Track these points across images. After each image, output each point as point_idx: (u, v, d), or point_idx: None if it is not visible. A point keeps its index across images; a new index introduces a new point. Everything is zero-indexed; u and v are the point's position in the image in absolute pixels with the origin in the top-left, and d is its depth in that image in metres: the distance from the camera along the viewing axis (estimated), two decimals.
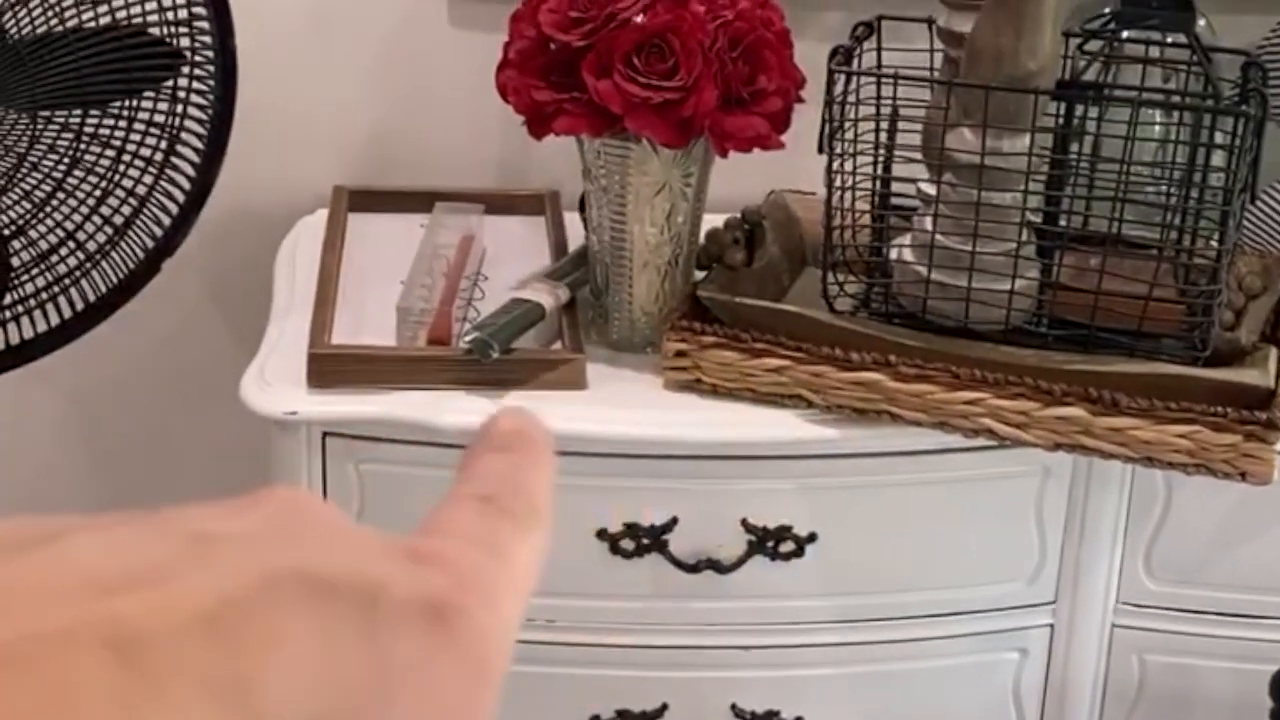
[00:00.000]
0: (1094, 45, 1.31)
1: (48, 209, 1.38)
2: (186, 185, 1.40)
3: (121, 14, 1.33)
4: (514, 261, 1.51)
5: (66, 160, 1.37)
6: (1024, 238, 1.28)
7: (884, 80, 1.28)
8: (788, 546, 1.37)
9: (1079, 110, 1.26)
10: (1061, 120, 1.27)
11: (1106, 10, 1.38)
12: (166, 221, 1.40)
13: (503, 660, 0.30)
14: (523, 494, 0.34)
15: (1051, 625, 1.44)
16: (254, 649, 0.27)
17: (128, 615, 0.26)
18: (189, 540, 0.28)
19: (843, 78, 1.28)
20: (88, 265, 1.40)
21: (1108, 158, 1.25)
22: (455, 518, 0.33)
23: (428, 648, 0.29)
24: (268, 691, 0.26)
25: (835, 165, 1.29)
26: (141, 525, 0.29)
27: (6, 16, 1.31)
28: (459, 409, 1.30)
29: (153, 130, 1.38)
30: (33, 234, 1.39)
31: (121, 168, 1.38)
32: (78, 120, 1.36)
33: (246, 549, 0.28)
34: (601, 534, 1.36)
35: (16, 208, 1.38)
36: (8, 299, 1.39)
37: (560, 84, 1.30)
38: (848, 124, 1.29)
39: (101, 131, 1.37)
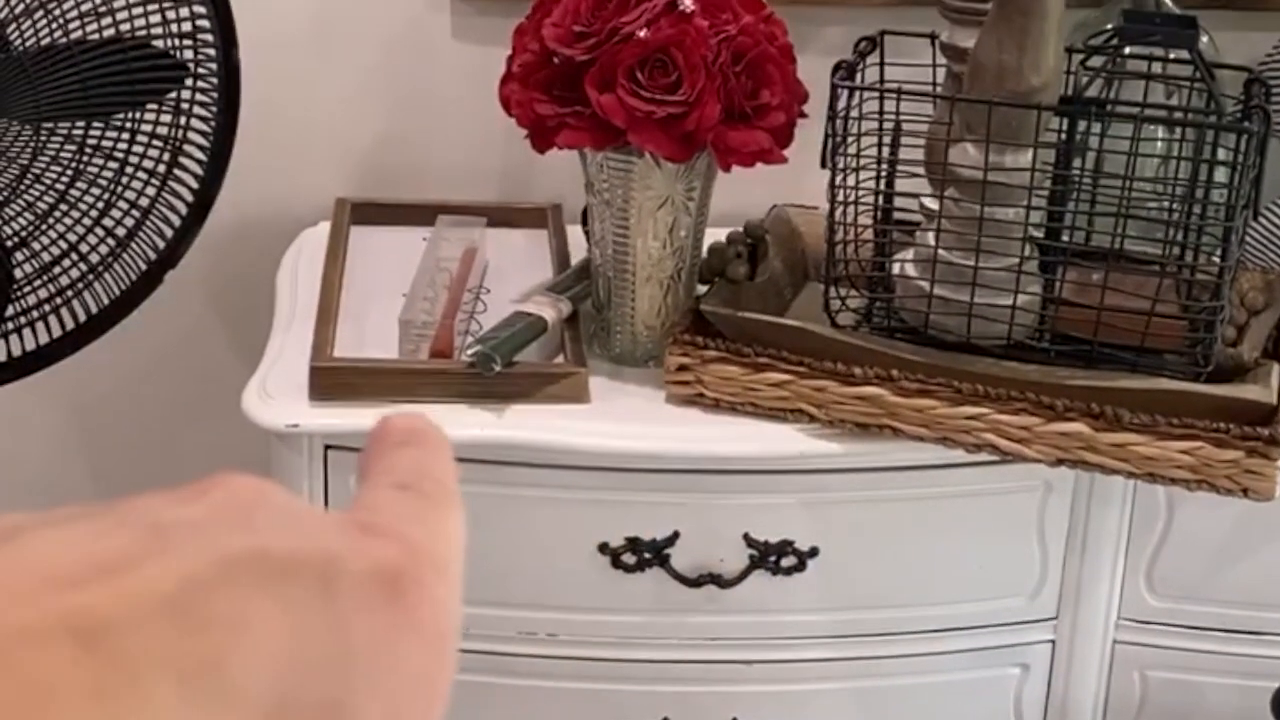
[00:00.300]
0: (1097, 61, 1.31)
1: (50, 220, 1.38)
2: (189, 197, 1.40)
3: (125, 26, 1.33)
4: (516, 275, 1.51)
5: (69, 172, 1.37)
6: (1026, 253, 1.28)
7: (887, 95, 1.28)
8: (789, 561, 1.37)
9: (1082, 126, 1.27)
10: (1064, 136, 1.27)
11: (1109, 26, 1.38)
12: (169, 233, 1.40)
13: (456, 629, 0.31)
14: (434, 479, 0.35)
15: (1053, 641, 1.44)
16: (218, 630, 0.27)
17: (91, 607, 0.26)
18: (146, 529, 0.29)
19: (846, 92, 1.28)
20: (90, 277, 1.40)
21: (1110, 173, 1.25)
22: (382, 501, 0.33)
23: (387, 618, 0.29)
24: (235, 671, 0.27)
25: (838, 180, 1.29)
26: (97, 517, 0.29)
27: (11, 28, 1.31)
28: (461, 422, 1.30)
29: (156, 142, 1.38)
30: (35, 245, 1.39)
31: (124, 180, 1.38)
32: (81, 132, 1.36)
33: (203, 534, 0.29)
34: (603, 548, 1.36)
35: (19, 219, 1.38)
36: (10, 310, 1.39)
37: (563, 98, 1.30)
38: (850, 139, 1.29)
39: (104, 143, 1.37)
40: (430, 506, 0.34)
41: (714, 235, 1.42)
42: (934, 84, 1.34)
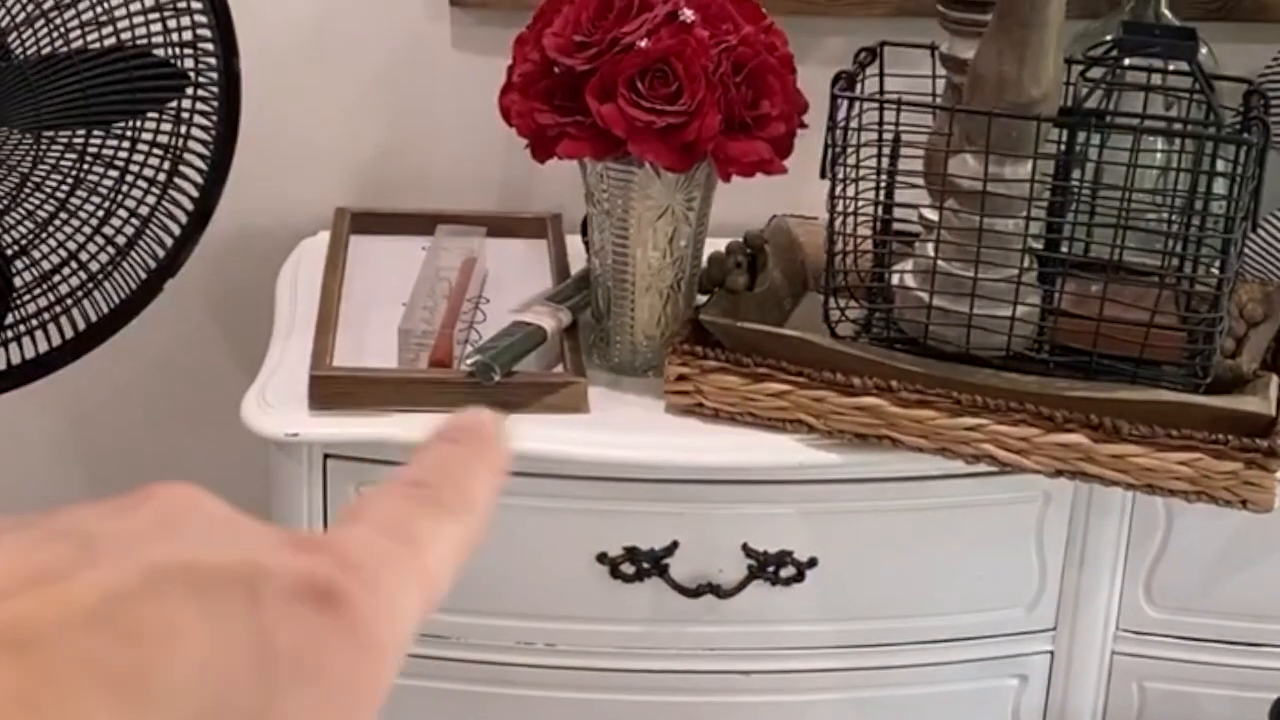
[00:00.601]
0: (1096, 72, 1.31)
1: (50, 229, 1.38)
2: (189, 206, 1.40)
3: (126, 35, 1.34)
4: (516, 284, 1.51)
5: (70, 180, 1.37)
6: (1026, 264, 1.29)
7: (886, 106, 1.28)
8: (788, 571, 1.37)
9: (1081, 137, 1.27)
10: (1063, 147, 1.27)
11: (1109, 38, 1.38)
12: (169, 242, 1.41)
13: (394, 642, 0.31)
14: (458, 485, 0.36)
15: (1051, 652, 1.44)
16: (145, 640, 0.28)
17: (20, 617, 0.27)
18: (76, 541, 0.29)
19: (845, 103, 1.28)
20: (90, 285, 1.40)
21: (1109, 185, 1.25)
22: (377, 501, 0.34)
23: (312, 629, 0.30)
24: (161, 680, 0.27)
25: (837, 190, 1.29)
26: (28, 529, 0.30)
27: (12, 37, 1.31)
28: None
29: (156, 151, 1.38)
30: (35, 254, 1.39)
31: (124, 188, 1.38)
32: (81, 140, 1.36)
33: (133, 545, 0.29)
34: (602, 558, 1.36)
35: (19, 227, 1.38)
36: (10, 319, 1.39)
37: (564, 107, 1.31)
38: (850, 149, 1.29)
39: (105, 152, 1.37)
40: (429, 513, 0.34)
41: (714, 245, 1.42)
42: (934, 95, 1.34)
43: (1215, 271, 1.28)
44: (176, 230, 1.40)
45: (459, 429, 0.38)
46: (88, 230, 1.39)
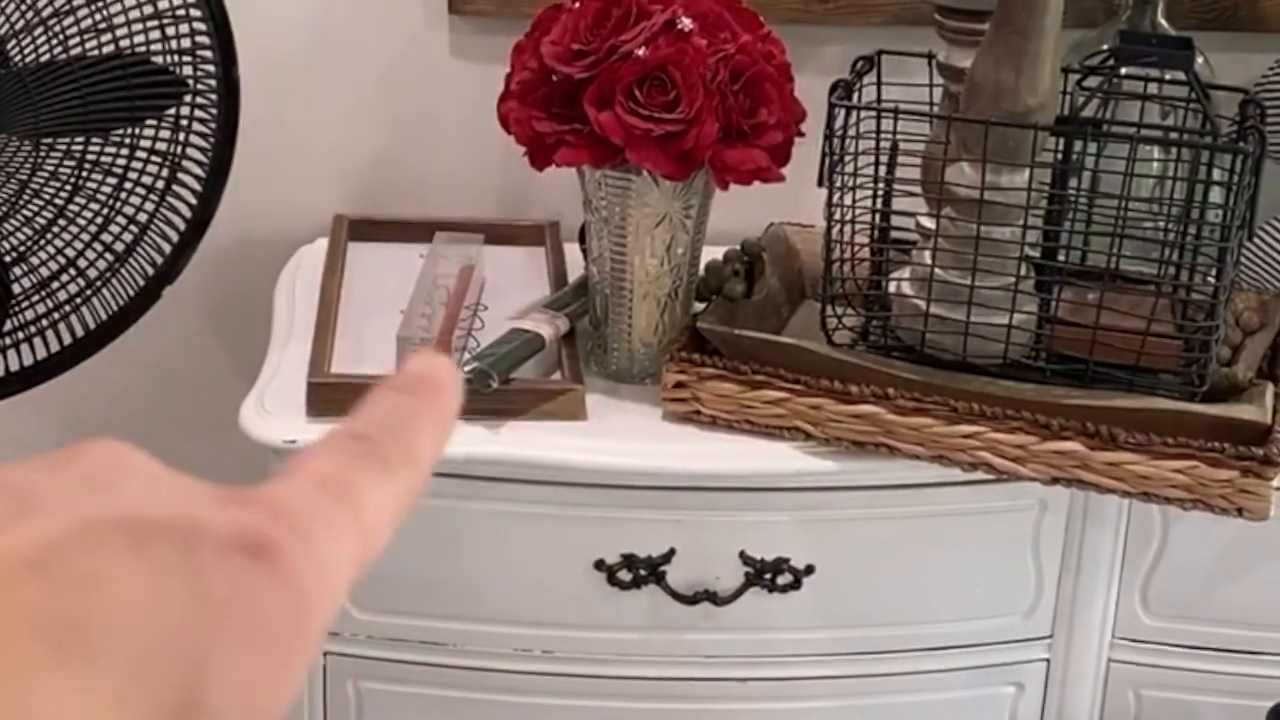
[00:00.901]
0: (1093, 81, 1.31)
1: (49, 236, 1.39)
2: (187, 213, 1.40)
3: (125, 43, 1.34)
4: (514, 291, 1.51)
5: (68, 187, 1.37)
6: (1023, 272, 1.29)
7: (884, 114, 1.28)
8: (785, 578, 1.37)
9: (1078, 146, 1.27)
10: (1060, 156, 1.28)
11: (1105, 47, 1.38)
12: (167, 249, 1.41)
13: (326, 594, 0.32)
14: (402, 439, 0.36)
15: (1048, 659, 1.44)
16: (82, 590, 0.28)
17: None
18: (12, 494, 0.30)
19: (843, 112, 1.28)
20: (88, 292, 1.40)
21: (1106, 193, 1.26)
22: (317, 454, 0.35)
23: (246, 580, 0.30)
24: (98, 630, 0.28)
25: (835, 198, 1.30)
26: None
27: (11, 44, 1.31)
28: (458, 439, 1.30)
29: (154, 158, 1.38)
30: (33, 260, 1.39)
31: (123, 195, 1.38)
32: (80, 147, 1.36)
33: (69, 498, 0.30)
34: (599, 564, 1.36)
35: (18, 234, 1.38)
36: (8, 325, 1.39)
37: (562, 115, 1.31)
38: (848, 157, 1.29)
39: (104, 159, 1.37)
40: (368, 467, 0.35)
41: (711, 253, 1.42)
42: (931, 103, 1.34)
43: (1211, 280, 1.28)
44: (175, 237, 1.41)
45: (409, 378, 0.37)
46: (86, 237, 1.39)
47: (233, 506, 0.31)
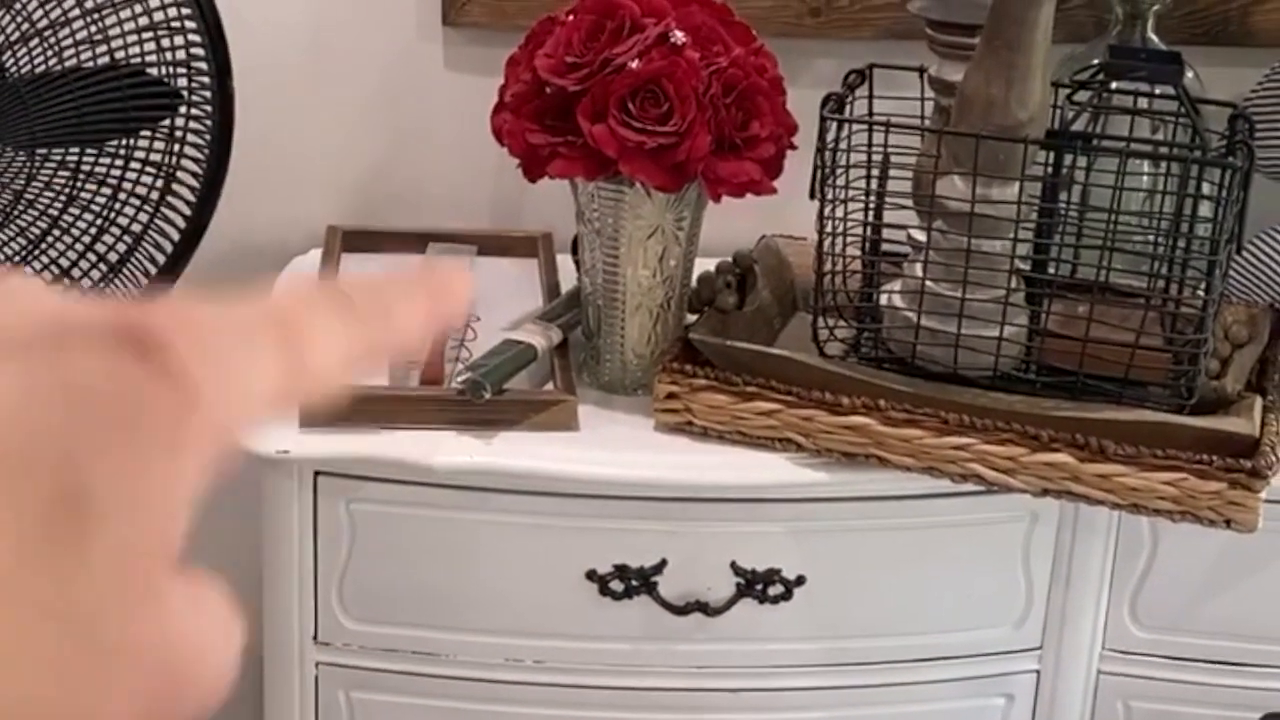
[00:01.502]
0: (1083, 96, 1.32)
1: (43, 246, 1.39)
2: (182, 224, 1.41)
3: (120, 54, 1.34)
4: (507, 302, 1.51)
5: (63, 198, 1.38)
6: (1013, 285, 1.29)
7: (875, 128, 1.29)
8: (776, 589, 1.38)
9: (1068, 159, 1.28)
10: (1051, 169, 1.28)
11: (1096, 62, 1.39)
12: (161, 259, 1.41)
13: (224, 402, 0.31)
14: (380, 300, 0.36)
15: (1037, 671, 1.44)
16: None
17: None
18: None
19: (835, 125, 1.29)
20: None
21: (1096, 207, 1.26)
22: (283, 293, 0.35)
23: (128, 376, 0.30)
24: None
25: (826, 211, 1.30)
26: None
27: (6, 55, 1.32)
28: (451, 449, 1.31)
29: (149, 169, 1.39)
30: (27, 271, 1.40)
31: (118, 206, 1.39)
32: (75, 158, 1.37)
33: None
34: (591, 575, 1.37)
35: (12, 244, 1.39)
36: None
37: (555, 128, 1.31)
38: (839, 170, 1.30)
39: (98, 169, 1.38)
40: (334, 311, 0.35)
41: (703, 265, 1.43)
42: (922, 117, 1.35)
43: (1200, 293, 1.29)
44: (169, 248, 1.41)
45: (420, 270, 0.37)
46: (80, 248, 1.40)
47: (129, 311, 0.31)
